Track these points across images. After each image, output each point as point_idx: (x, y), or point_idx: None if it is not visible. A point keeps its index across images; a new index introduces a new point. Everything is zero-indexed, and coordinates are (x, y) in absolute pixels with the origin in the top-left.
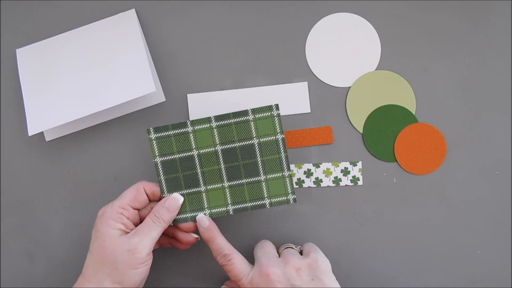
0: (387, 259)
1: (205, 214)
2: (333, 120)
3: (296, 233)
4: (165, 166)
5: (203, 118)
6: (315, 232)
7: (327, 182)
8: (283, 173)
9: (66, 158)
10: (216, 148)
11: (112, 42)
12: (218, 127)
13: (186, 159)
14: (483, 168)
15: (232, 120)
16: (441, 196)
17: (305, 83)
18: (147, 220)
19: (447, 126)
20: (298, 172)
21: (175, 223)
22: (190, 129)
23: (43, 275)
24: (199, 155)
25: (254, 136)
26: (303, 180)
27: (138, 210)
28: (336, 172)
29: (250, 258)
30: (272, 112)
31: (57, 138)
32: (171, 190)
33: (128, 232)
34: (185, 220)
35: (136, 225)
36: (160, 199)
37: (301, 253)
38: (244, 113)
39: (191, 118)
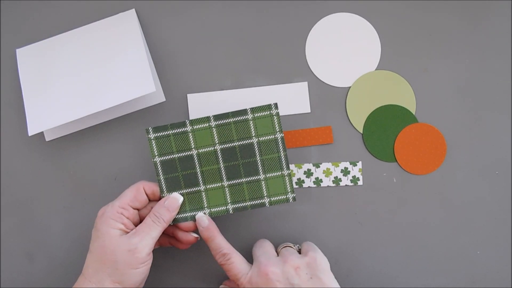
0: (387, 259)
1: (204, 213)
2: (333, 120)
3: (296, 233)
4: (165, 165)
5: (202, 118)
6: (315, 232)
7: (327, 182)
8: (283, 172)
9: (66, 158)
10: (215, 148)
11: (112, 42)
12: (217, 126)
13: (185, 158)
14: (483, 168)
15: (231, 119)
16: (441, 196)
17: (305, 83)
18: (147, 220)
19: (447, 126)
20: (298, 172)
21: (175, 223)
22: (189, 128)
23: (43, 275)
24: (198, 154)
25: (253, 135)
26: (303, 180)
27: (138, 210)
28: (336, 172)
29: (250, 258)
30: (271, 111)
31: (57, 138)
32: (170, 190)
33: (128, 232)
34: (185, 219)
35: (136, 225)
36: (159, 198)
37: (299, 252)
38: (243, 112)
39: (191, 118)
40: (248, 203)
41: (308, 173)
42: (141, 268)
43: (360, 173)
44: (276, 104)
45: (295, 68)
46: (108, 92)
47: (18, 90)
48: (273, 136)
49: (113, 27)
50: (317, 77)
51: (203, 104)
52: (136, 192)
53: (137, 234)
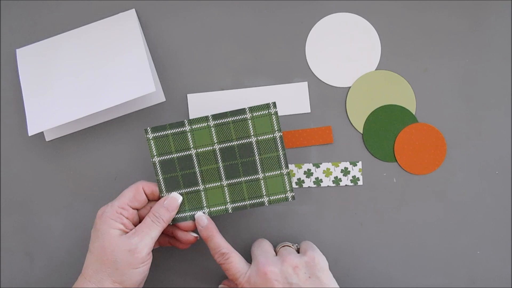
0: (387, 259)
1: (204, 212)
2: (333, 120)
3: (295, 233)
4: (164, 165)
5: (200, 117)
6: (315, 232)
7: (327, 182)
8: (282, 171)
9: (66, 158)
10: (214, 147)
11: (112, 42)
12: (215, 125)
13: (184, 158)
14: (483, 168)
15: (230, 119)
16: (441, 196)
17: (305, 83)
18: (147, 220)
19: (447, 126)
20: (298, 172)
21: (174, 222)
22: (187, 128)
23: (43, 275)
24: (197, 154)
25: (252, 134)
26: (303, 180)
27: (138, 209)
28: (336, 172)
29: (249, 257)
30: (269, 110)
31: (57, 138)
32: (170, 190)
33: (127, 232)
34: (184, 219)
35: (135, 224)
36: (159, 198)
37: (298, 251)
38: (242, 111)
39: (190, 118)
40: (247, 202)
41: (308, 173)
42: (141, 268)
43: (360, 173)
44: (274, 103)
45: (295, 68)
46: (108, 92)
47: (18, 90)
48: (272, 135)
49: (113, 27)
50: (317, 77)
51: (203, 104)
52: (136, 192)
53: (136, 234)
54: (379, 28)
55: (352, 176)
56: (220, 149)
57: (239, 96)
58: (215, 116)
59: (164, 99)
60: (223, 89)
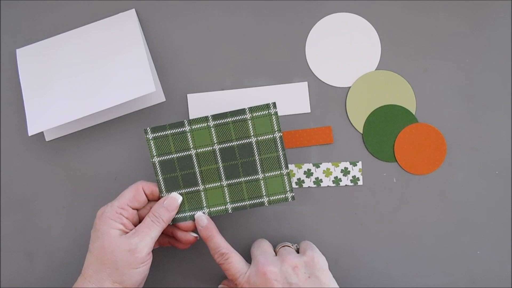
0: (387, 258)
1: (204, 213)
2: (333, 120)
3: (295, 233)
4: (163, 165)
5: (200, 117)
6: (314, 232)
7: (327, 182)
8: (281, 171)
9: (66, 158)
10: (214, 147)
11: (112, 42)
12: (215, 126)
13: (184, 158)
14: (483, 168)
15: (230, 119)
16: (441, 196)
17: (305, 83)
18: (147, 220)
19: (447, 126)
20: (298, 172)
21: (174, 223)
22: (187, 128)
23: (43, 275)
24: (197, 154)
25: (251, 134)
26: (303, 180)
27: (137, 210)
28: (336, 172)
29: (249, 258)
30: (269, 110)
31: (57, 138)
32: (169, 190)
33: (127, 232)
34: (184, 219)
35: (135, 225)
36: (159, 198)
37: (297, 251)
38: (242, 111)
39: (190, 118)
40: (247, 203)
41: (308, 173)
42: (141, 268)
43: (360, 173)
44: (274, 103)
45: (295, 68)
46: (108, 92)
47: (18, 90)
48: (272, 136)
49: (113, 27)
50: (317, 77)
51: (203, 104)
52: (135, 192)
53: (136, 234)
54: (379, 28)
55: (352, 176)
56: (220, 149)
57: (239, 96)
58: (215, 116)
59: (164, 99)
60: (223, 89)
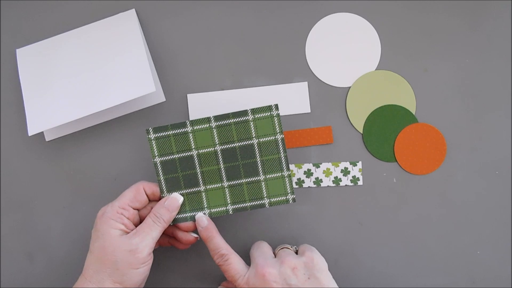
0: (387, 258)
1: (204, 213)
2: (333, 120)
3: (296, 233)
4: (165, 166)
5: (202, 118)
6: (314, 232)
7: (327, 182)
8: (283, 173)
9: (66, 158)
10: (215, 148)
11: (112, 42)
12: (217, 127)
13: (185, 159)
14: (483, 168)
15: (232, 120)
16: (441, 196)
17: (305, 83)
18: (147, 220)
19: (447, 126)
20: (298, 172)
21: (174, 223)
22: (189, 129)
23: (43, 275)
24: (198, 155)
25: (253, 136)
26: (303, 180)
27: (138, 210)
28: (336, 172)
29: (248, 259)
30: (271, 112)
31: (57, 138)
32: (170, 190)
33: (128, 232)
34: (185, 219)
35: (136, 225)
36: (159, 199)
37: (297, 253)
38: (244, 113)
39: (191, 118)
40: (248, 204)
41: (308, 173)
42: (142, 268)
43: (360, 173)
44: (276, 105)
45: (295, 68)
46: (108, 92)
47: (18, 90)
48: (273, 137)
49: (113, 27)
50: (317, 77)
51: (203, 104)
52: (136, 193)
53: (137, 234)
54: (379, 28)
55: (352, 176)
56: (222, 150)
57: (239, 96)
58: (217, 118)
59: (164, 99)
60: (223, 89)
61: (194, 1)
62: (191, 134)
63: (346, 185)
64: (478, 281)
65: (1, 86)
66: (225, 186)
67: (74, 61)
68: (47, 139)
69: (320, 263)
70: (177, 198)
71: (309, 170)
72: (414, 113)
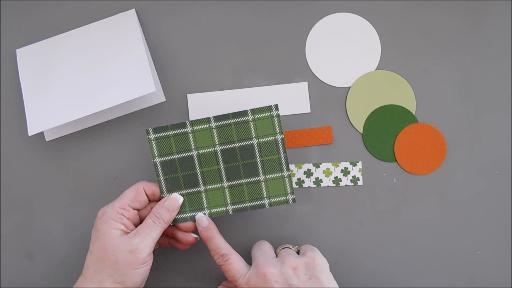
0: (387, 258)
1: (204, 214)
2: (333, 120)
3: (296, 233)
4: (165, 166)
5: (202, 119)
6: (315, 232)
7: (327, 182)
8: (283, 173)
9: (66, 158)
10: (215, 149)
11: (112, 42)
12: (217, 127)
13: (185, 159)
14: (483, 168)
15: (232, 121)
16: (441, 196)
17: (305, 83)
18: (148, 220)
19: (447, 126)
20: (298, 172)
21: (174, 223)
22: (189, 129)
23: (43, 275)
24: (198, 155)
25: (253, 136)
26: (303, 180)
27: (138, 210)
28: (336, 172)
29: (249, 259)
30: (271, 113)
31: (57, 138)
32: (170, 190)
33: (128, 232)
34: (185, 220)
35: (136, 225)
36: (160, 199)
37: (298, 253)
38: (244, 113)
39: (191, 118)
40: (248, 204)
41: (308, 173)
42: (142, 269)
43: (360, 173)
44: (276, 106)
45: (295, 68)
46: (108, 92)
47: (18, 90)
48: (273, 138)
49: (113, 27)
50: (317, 77)
51: (203, 104)
52: (136, 193)
53: (137, 234)
54: (379, 28)
55: (352, 176)
56: (222, 150)
57: (239, 96)
58: (217, 118)
59: (164, 99)
60: (223, 89)
61: (194, 1)
62: (191, 135)
63: (346, 185)
64: (478, 281)
65: (1, 86)
66: (225, 187)
67: (74, 61)
68: (47, 139)
69: (321, 263)
70: (177, 198)
71: (309, 170)
72: (414, 113)
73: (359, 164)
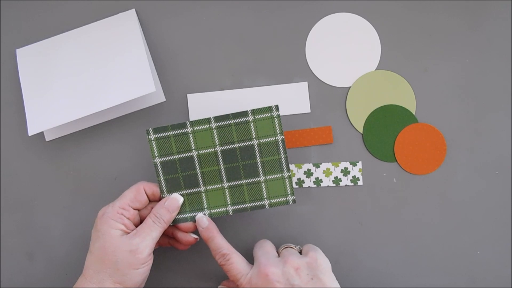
0: (387, 258)
1: (204, 214)
2: (333, 120)
3: (296, 233)
4: (165, 166)
5: (202, 119)
6: (315, 232)
7: (327, 182)
8: (283, 174)
9: (66, 158)
10: (215, 149)
11: (112, 42)
12: (217, 128)
13: (185, 159)
14: (483, 168)
15: (232, 121)
16: (441, 196)
17: (305, 83)
18: (148, 221)
19: (447, 126)
20: (298, 172)
21: (175, 223)
22: (189, 129)
23: (43, 275)
24: (198, 155)
25: (253, 137)
26: (303, 180)
27: (138, 210)
28: (336, 172)
29: (250, 258)
30: (272, 113)
31: (57, 138)
32: (171, 191)
33: (128, 233)
34: (185, 220)
35: (136, 225)
36: (160, 199)
37: (300, 252)
38: (244, 114)
39: (191, 118)
40: (248, 205)
41: (308, 173)
42: (142, 269)
43: (360, 173)
44: (277, 106)
45: (295, 68)
46: (108, 92)
47: (18, 90)
48: (274, 138)
49: (113, 27)
50: (317, 77)
51: (203, 104)
52: (136, 193)
53: (138, 234)
54: (379, 28)
55: (352, 176)
56: (222, 151)
57: (239, 96)
58: (217, 118)
59: (164, 99)
60: (223, 89)
61: (194, 1)
62: (191, 135)
63: (346, 185)
64: (478, 281)
65: (1, 86)
66: (225, 187)
67: (74, 61)
68: (47, 139)
69: (323, 263)
70: (177, 198)
71: (309, 170)
72: (414, 113)
73: (359, 164)
